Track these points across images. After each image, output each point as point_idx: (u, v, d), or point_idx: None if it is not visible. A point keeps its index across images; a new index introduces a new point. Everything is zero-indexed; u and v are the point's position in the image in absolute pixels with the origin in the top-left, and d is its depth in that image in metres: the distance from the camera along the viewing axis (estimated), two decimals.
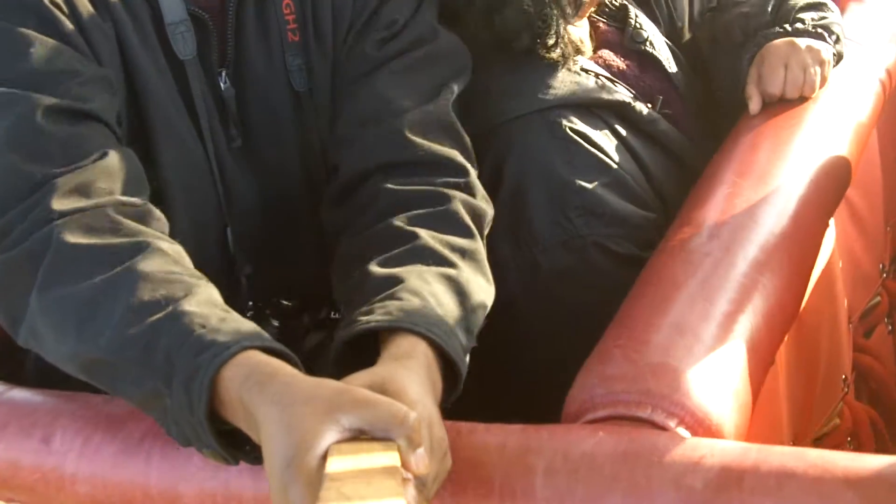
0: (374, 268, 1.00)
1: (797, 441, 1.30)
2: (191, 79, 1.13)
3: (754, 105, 1.39)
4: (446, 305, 0.97)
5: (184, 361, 0.85)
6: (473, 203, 1.10)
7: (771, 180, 1.24)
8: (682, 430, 0.93)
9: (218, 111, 1.16)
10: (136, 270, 0.91)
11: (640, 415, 0.94)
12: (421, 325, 0.91)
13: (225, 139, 1.16)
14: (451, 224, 1.06)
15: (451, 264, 1.01)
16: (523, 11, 1.27)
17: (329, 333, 1.19)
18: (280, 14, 1.16)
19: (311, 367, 0.92)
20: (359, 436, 0.79)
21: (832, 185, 1.30)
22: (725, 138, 1.37)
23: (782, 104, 1.40)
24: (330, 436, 0.78)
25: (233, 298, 1.10)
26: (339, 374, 0.87)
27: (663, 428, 0.92)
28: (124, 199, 0.99)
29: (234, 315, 0.91)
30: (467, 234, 1.07)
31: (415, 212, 1.06)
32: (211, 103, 1.15)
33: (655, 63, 1.43)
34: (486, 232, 1.11)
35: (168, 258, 0.94)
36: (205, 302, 0.90)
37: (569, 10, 1.30)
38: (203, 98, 1.14)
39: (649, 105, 1.38)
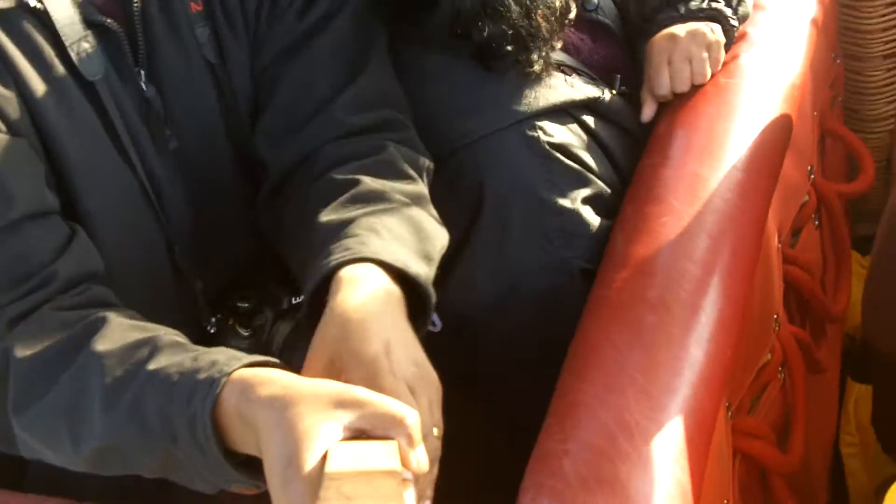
0: (322, 219, 1.01)
1: (732, 400, 1.32)
2: (104, 100, 1.06)
3: (647, 111, 1.34)
4: (404, 236, 0.99)
5: (178, 413, 0.86)
6: (411, 153, 1.11)
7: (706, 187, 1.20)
8: None
9: (145, 119, 1.10)
10: (95, 354, 0.91)
11: None
12: (381, 252, 0.94)
13: (154, 149, 1.10)
14: (392, 170, 1.07)
15: (401, 202, 1.03)
16: (515, 27, 1.19)
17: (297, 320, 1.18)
18: None
19: (290, 358, 1.00)
20: (359, 435, 0.80)
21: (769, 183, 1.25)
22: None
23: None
24: (330, 434, 0.79)
25: (192, 317, 1.14)
26: (313, 329, 0.91)
27: None
28: (66, 293, 0.98)
29: (202, 350, 0.91)
30: (409, 179, 1.07)
31: (353, 163, 1.07)
32: (135, 115, 1.09)
33: (607, 31, 1.35)
34: (427, 183, 1.11)
35: (119, 325, 0.94)
36: (171, 351, 0.90)
37: (556, 27, 1.22)
38: (122, 116, 1.07)
39: (613, 91, 1.32)
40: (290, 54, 1.14)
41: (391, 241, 0.97)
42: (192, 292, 1.15)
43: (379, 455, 0.78)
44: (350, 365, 0.87)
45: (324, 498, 0.74)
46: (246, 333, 1.13)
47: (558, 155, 1.22)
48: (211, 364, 0.87)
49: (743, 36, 1.41)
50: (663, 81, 1.32)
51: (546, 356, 1.11)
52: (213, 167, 1.14)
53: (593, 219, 1.22)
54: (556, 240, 1.20)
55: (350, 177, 1.05)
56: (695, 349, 1.07)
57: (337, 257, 0.93)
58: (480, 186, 1.20)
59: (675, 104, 1.33)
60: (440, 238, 1.04)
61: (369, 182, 1.04)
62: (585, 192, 1.22)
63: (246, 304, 1.15)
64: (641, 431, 1.00)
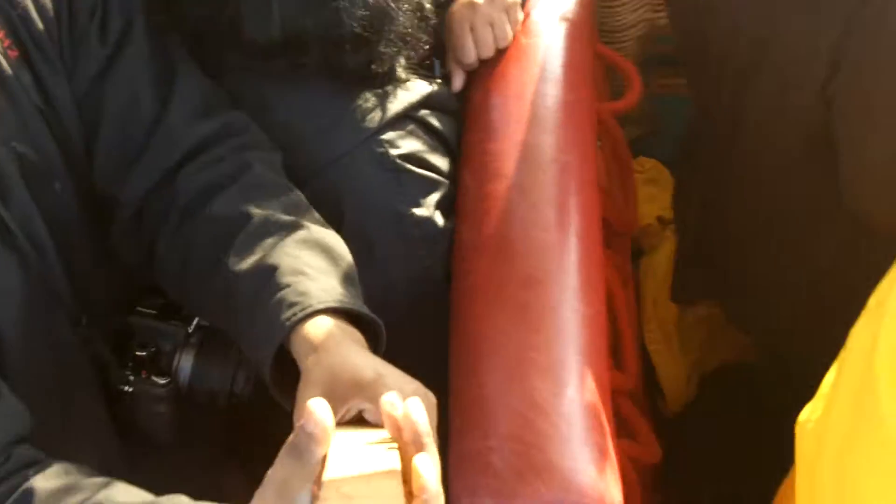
0: (236, 267, 1.00)
1: None
2: None
3: (457, 81, 1.36)
4: (325, 268, 1.00)
5: None
6: (267, 155, 1.12)
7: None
8: None
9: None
10: None
11: None
12: (325, 299, 0.95)
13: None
14: (266, 189, 1.08)
15: (298, 226, 1.04)
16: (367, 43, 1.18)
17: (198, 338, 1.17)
18: None
19: (200, 388, 1.08)
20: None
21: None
22: None
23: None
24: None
25: (105, 386, 1.11)
26: (281, 387, 0.95)
27: None
28: None
29: (163, 498, 0.88)
30: (284, 189, 1.09)
31: (227, 191, 1.07)
32: None
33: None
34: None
35: (48, 494, 0.89)
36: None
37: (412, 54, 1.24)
38: None
39: (437, 80, 1.31)
40: (103, 79, 1.10)
41: (322, 279, 0.98)
42: (101, 358, 1.12)
43: (379, 455, 0.78)
44: (351, 392, 0.87)
45: (323, 498, 0.74)
46: (163, 381, 1.12)
47: (408, 166, 1.22)
48: None
49: None
50: (468, 49, 1.33)
51: (427, 363, 1.13)
52: (64, 216, 1.09)
53: (445, 220, 1.24)
54: (420, 249, 1.22)
55: (234, 211, 1.04)
56: (572, 315, 1.12)
57: (287, 316, 0.93)
58: (339, 209, 1.19)
59: (484, 72, 1.35)
60: (343, 249, 1.05)
61: (257, 213, 1.03)
62: (436, 195, 1.24)
63: (146, 351, 1.13)
64: (554, 409, 1.04)
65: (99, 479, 0.90)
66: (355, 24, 1.15)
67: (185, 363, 1.14)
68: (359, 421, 0.88)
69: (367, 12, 1.15)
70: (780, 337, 1.62)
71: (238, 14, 1.13)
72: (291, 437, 0.75)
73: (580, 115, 1.31)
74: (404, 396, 0.83)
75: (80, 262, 1.10)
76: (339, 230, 1.16)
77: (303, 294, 0.95)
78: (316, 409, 0.74)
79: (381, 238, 1.20)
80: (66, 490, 0.89)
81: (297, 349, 0.93)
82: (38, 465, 0.92)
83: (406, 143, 1.23)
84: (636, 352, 1.51)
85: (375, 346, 0.98)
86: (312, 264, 0.99)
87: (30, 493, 0.88)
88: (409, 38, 1.22)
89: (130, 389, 1.12)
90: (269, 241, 1.01)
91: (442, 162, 1.27)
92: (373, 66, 1.20)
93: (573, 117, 1.29)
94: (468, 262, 1.17)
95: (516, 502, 0.98)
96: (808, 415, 0.98)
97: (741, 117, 1.41)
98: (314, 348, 0.91)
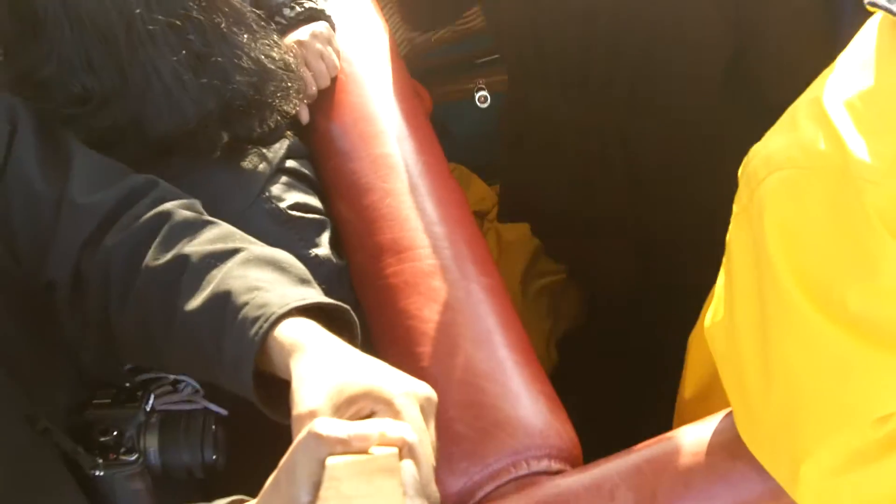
0: (189, 307, 1.00)
1: None
2: None
3: (303, 115, 1.44)
4: (278, 279, 1.00)
5: None
6: (182, 202, 1.11)
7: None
8: (559, 465, 1.09)
9: None
10: None
11: (521, 474, 1.08)
12: (287, 302, 0.94)
13: None
14: (186, 230, 1.07)
15: (233, 250, 1.03)
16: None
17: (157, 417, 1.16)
18: None
19: (170, 462, 1.09)
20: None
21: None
22: None
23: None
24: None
25: (74, 476, 1.08)
26: (272, 405, 0.94)
27: (551, 473, 1.08)
28: None
29: None
30: (210, 224, 1.08)
31: (155, 245, 1.06)
32: None
33: None
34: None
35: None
36: None
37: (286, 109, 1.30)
38: None
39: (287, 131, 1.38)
40: (8, 183, 1.09)
41: (277, 288, 0.97)
42: (62, 452, 1.09)
43: (379, 455, 0.78)
44: (358, 394, 0.85)
45: (324, 498, 0.74)
46: (132, 458, 1.11)
47: (298, 214, 1.30)
48: None
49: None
50: (309, 83, 1.42)
51: None
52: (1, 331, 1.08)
53: (335, 254, 1.33)
54: (329, 285, 1.27)
55: (169, 258, 1.04)
56: (478, 287, 1.23)
57: (254, 332, 0.92)
58: None
59: (322, 103, 1.45)
60: (288, 258, 1.05)
61: (193, 251, 1.03)
62: (327, 234, 1.32)
63: (109, 436, 1.12)
64: (496, 371, 1.14)
65: None
66: (249, 91, 1.23)
67: (151, 444, 1.13)
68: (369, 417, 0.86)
69: (255, 78, 1.23)
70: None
71: (143, 115, 1.18)
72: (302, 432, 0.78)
73: (418, 121, 1.43)
74: (416, 398, 0.85)
75: (26, 369, 1.09)
76: None
77: (262, 306, 0.94)
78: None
79: None
80: None
81: (276, 360, 0.92)
82: None
83: (289, 195, 1.31)
84: None
85: (351, 337, 0.98)
86: (263, 278, 0.99)
87: None
88: (287, 93, 1.29)
89: (101, 473, 1.10)
90: (214, 272, 1.00)
91: (319, 202, 1.36)
92: (261, 127, 1.27)
93: (413, 124, 1.41)
94: (374, 266, 1.26)
95: (489, 459, 1.08)
96: (712, 318, 1.09)
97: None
98: (293, 350, 0.90)
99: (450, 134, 2.30)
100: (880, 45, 0.94)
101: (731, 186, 1.02)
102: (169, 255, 1.04)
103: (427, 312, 1.19)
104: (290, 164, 1.35)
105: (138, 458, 1.11)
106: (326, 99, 1.45)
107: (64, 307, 1.10)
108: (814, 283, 0.92)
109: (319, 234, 1.32)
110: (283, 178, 1.33)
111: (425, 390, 0.88)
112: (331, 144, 1.40)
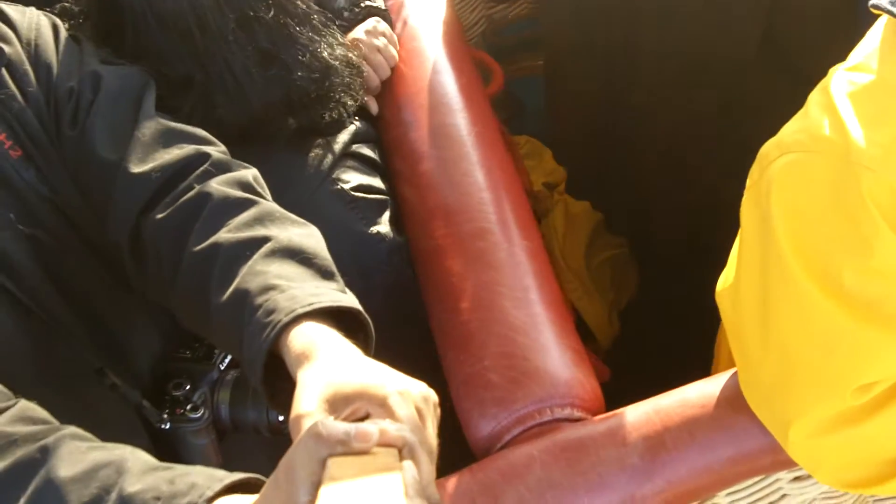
0: (218, 300, 1.02)
1: None
2: None
3: (373, 107, 1.56)
4: (296, 275, 1.01)
5: None
6: (229, 177, 1.12)
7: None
8: (581, 413, 1.19)
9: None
10: (54, 479, 0.88)
11: (545, 420, 1.19)
12: (295, 308, 0.95)
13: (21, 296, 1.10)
14: (225, 212, 1.08)
15: (262, 240, 1.04)
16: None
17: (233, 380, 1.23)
18: None
19: (242, 419, 1.13)
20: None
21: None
22: None
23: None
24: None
25: (141, 427, 1.16)
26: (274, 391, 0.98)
27: (573, 420, 1.18)
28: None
29: (177, 470, 0.90)
30: (245, 205, 1.09)
31: (195, 230, 1.08)
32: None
33: None
34: (262, 188, 1.15)
35: (76, 445, 0.91)
36: (142, 471, 0.89)
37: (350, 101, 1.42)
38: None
39: (356, 117, 1.50)
40: (81, 145, 1.15)
41: (292, 287, 0.98)
42: (134, 405, 1.18)
43: (379, 456, 0.79)
44: (356, 396, 0.86)
45: (323, 498, 0.74)
46: (197, 415, 1.19)
47: (361, 195, 1.42)
48: (190, 487, 0.85)
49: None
50: (371, 77, 1.55)
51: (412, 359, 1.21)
52: (83, 287, 1.16)
53: (393, 230, 1.44)
54: (387, 259, 1.41)
55: (204, 246, 1.06)
56: (520, 250, 1.33)
57: (263, 338, 0.95)
58: None
59: (387, 91, 1.58)
60: (314, 243, 1.07)
61: (223, 239, 1.05)
62: (388, 213, 1.44)
63: (181, 390, 1.20)
64: (530, 326, 1.25)
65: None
66: (311, 87, 1.35)
67: (223, 400, 1.21)
68: (366, 419, 0.86)
69: (317, 74, 1.35)
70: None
71: (217, 103, 1.30)
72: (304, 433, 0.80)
73: (476, 95, 1.53)
74: (411, 397, 0.85)
75: (105, 322, 1.18)
76: None
77: (272, 312, 0.96)
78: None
79: (355, 258, 1.37)
80: (94, 448, 0.90)
81: (287, 362, 0.94)
82: (57, 427, 0.94)
83: (353, 177, 1.44)
84: (566, 296, 1.72)
85: (365, 337, 1.00)
86: (282, 274, 1.00)
87: (56, 441, 0.90)
88: (348, 87, 1.41)
89: (167, 427, 1.18)
90: (240, 264, 1.02)
91: (382, 183, 1.47)
92: (325, 118, 1.39)
93: (471, 98, 1.52)
94: (425, 229, 1.37)
95: (517, 405, 1.19)
96: (723, 284, 1.18)
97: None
98: (301, 360, 0.92)
99: (524, 108, 2.39)
100: (884, 43, 1.02)
101: None
102: (206, 243, 1.06)
103: (470, 271, 1.30)
104: (355, 148, 1.47)
105: (204, 414, 1.19)
106: (390, 86, 1.57)
107: (129, 270, 1.16)
108: (813, 257, 1.00)
109: (381, 213, 1.43)
110: (349, 162, 1.45)
111: (421, 389, 0.88)
112: (394, 119, 1.51)
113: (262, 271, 1.01)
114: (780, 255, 1.02)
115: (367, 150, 1.49)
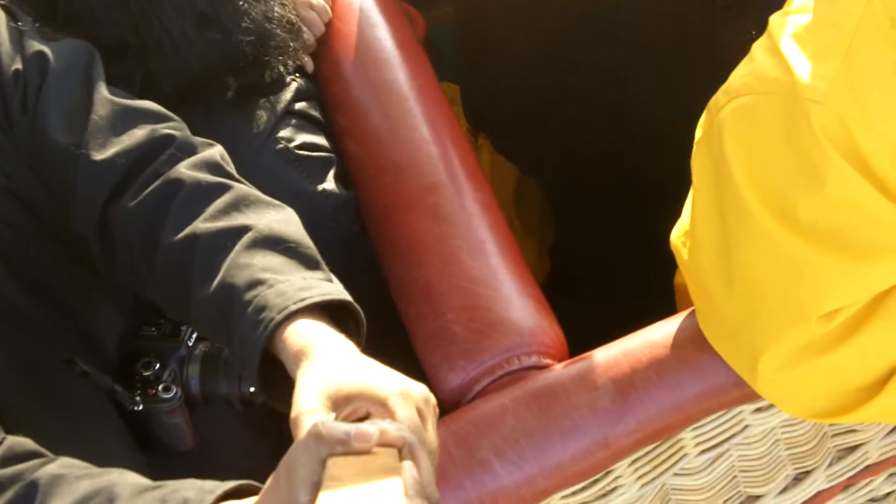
0: (202, 294, 1.01)
1: None
2: None
3: (308, 64, 1.54)
4: (282, 266, 1.00)
5: None
6: (197, 159, 1.09)
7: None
8: (547, 360, 1.21)
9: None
10: None
11: (513, 368, 1.20)
12: (287, 304, 0.94)
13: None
14: (199, 199, 1.06)
15: (241, 229, 1.03)
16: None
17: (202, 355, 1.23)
18: None
19: (214, 392, 1.15)
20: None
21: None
22: None
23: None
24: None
25: (113, 409, 1.15)
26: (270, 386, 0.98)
27: (540, 367, 1.20)
28: None
29: (168, 487, 0.90)
30: (218, 190, 1.07)
31: (166, 217, 1.06)
32: None
33: None
34: (230, 166, 1.12)
35: (65, 478, 0.90)
36: (132, 494, 0.89)
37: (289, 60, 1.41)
38: None
39: (296, 74, 1.48)
40: (33, 131, 1.12)
41: (280, 282, 0.97)
42: (106, 390, 1.16)
43: (379, 455, 0.79)
44: (355, 395, 0.86)
45: (323, 498, 0.74)
46: (170, 395, 1.18)
47: (304, 153, 1.42)
48: (183, 503, 0.85)
49: None
50: (306, 35, 1.52)
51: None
52: (45, 277, 1.14)
53: (342, 187, 1.43)
54: (335, 215, 1.40)
55: (181, 236, 1.04)
56: (472, 202, 1.33)
57: (257, 336, 0.94)
58: None
59: (323, 48, 1.55)
60: (292, 229, 1.05)
61: (201, 228, 1.03)
62: (333, 170, 1.44)
63: (151, 370, 1.19)
64: (490, 277, 1.25)
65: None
66: (250, 49, 1.34)
67: (193, 375, 1.20)
68: (365, 419, 0.86)
69: (255, 36, 1.34)
70: None
71: (155, 67, 1.28)
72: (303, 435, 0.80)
73: (412, 48, 1.52)
74: (411, 398, 0.86)
75: (70, 310, 1.16)
76: None
77: (263, 309, 0.95)
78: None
79: (301, 216, 1.29)
80: (84, 477, 0.91)
81: (283, 359, 0.94)
82: (46, 457, 0.94)
83: (296, 135, 1.43)
84: None
85: (356, 325, 1.00)
86: (268, 266, 0.99)
87: (46, 477, 0.90)
88: (287, 48, 1.40)
89: (140, 408, 1.17)
90: (220, 256, 1.01)
91: (326, 141, 1.46)
92: (265, 78, 1.38)
93: (408, 51, 1.50)
94: (376, 186, 1.36)
95: (484, 356, 1.20)
96: (679, 232, 1.21)
97: None
98: (298, 359, 0.91)
99: (443, 55, 2.38)
100: None
101: None
102: (183, 233, 1.04)
103: (425, 226, 1.30)
104: (298, 106, 1.46)
105: (176, 393, 1.19)
106: (326, 42, 1.55)
107: (97, 259, 1.13)
108: (769, 194, 1.03)
109: (326, 170, 1.43)
110: (293, 121, 1.44)
111: (420, 390, 0.88)
112: (334, 71, 1.49)
113: (246, 264, 1.00)
114: (738, 195, 1.05)
115: (310, 109, 1.48)
